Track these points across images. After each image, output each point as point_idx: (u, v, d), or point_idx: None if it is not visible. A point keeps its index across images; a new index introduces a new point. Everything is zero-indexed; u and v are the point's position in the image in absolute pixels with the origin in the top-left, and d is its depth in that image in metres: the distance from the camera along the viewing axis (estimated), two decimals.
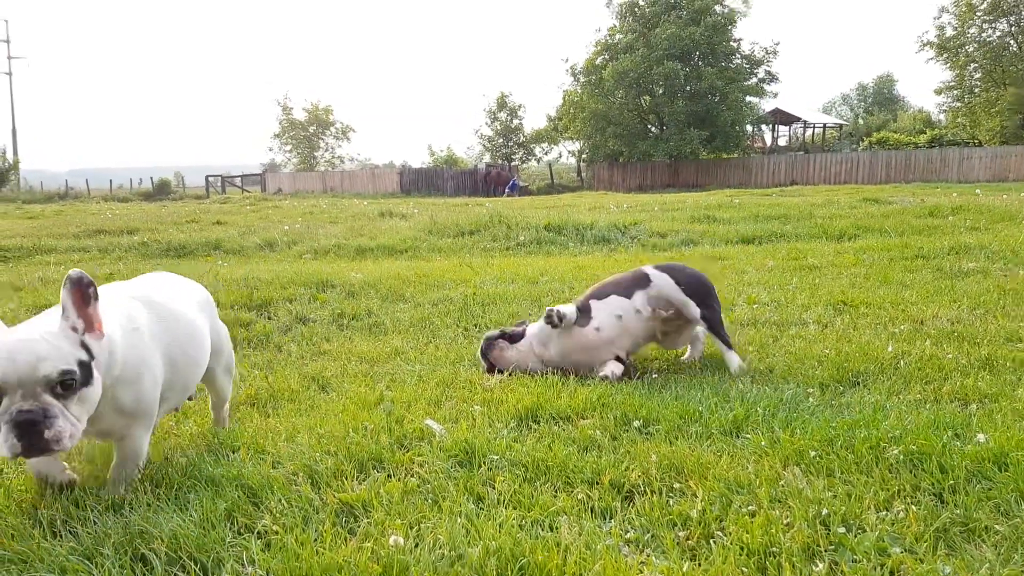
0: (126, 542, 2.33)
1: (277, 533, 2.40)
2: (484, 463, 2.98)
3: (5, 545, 2.33)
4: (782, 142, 51.43)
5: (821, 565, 2.20)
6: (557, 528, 2.45)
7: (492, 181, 41.74)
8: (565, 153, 54.78)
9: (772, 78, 41.99)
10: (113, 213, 21.40)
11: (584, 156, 47.81)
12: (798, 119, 48.11)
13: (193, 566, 2.21)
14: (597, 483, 2.80)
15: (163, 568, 2.20)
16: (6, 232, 15.85)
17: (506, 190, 40.78)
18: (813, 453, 2.96)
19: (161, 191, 48.04)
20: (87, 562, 2.19)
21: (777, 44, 41.72)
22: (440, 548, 2.30)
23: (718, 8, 40.33)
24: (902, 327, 5.20)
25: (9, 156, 52.37)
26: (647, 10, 41.79)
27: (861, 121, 60.80)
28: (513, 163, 50.08)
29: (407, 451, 3.15)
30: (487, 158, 53.30)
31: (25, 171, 58.37)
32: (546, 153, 54.65)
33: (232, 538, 2.37)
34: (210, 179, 49.76)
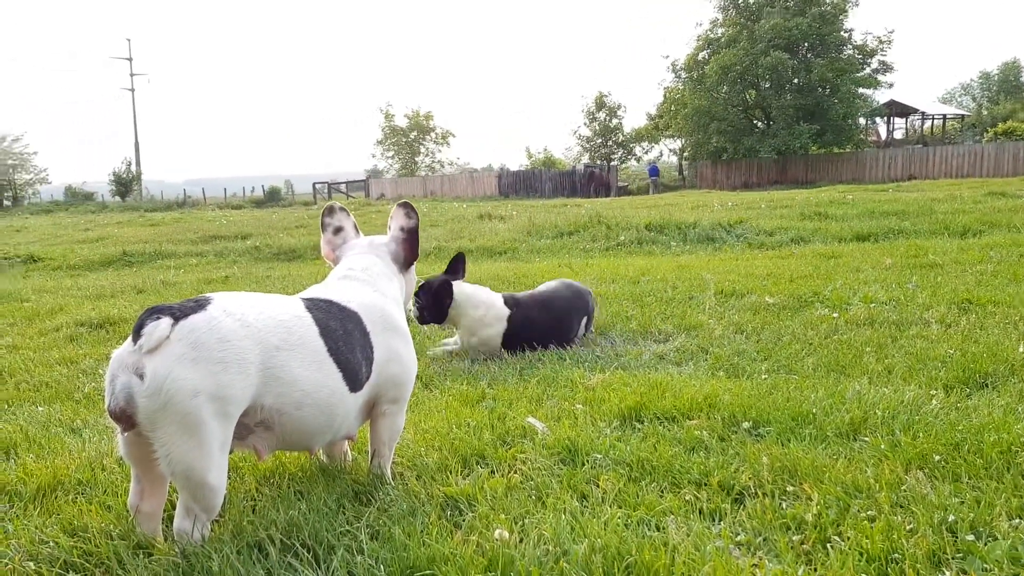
0: (244, 528, 2.42)
1: (385, 524, 2.45)
2: (587, 461, 2.96)
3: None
4: (898, 135, 49.13)
5: (948, 573, 2.08)
6: (664, 528, 2.40)
7: (595, 182, 41.43)
8: (666, 152, 53.98)
9: (886, 68, 40.12)
10: (227, 220, 22.41)
11: (686, 154, 46.97)
12: (915, 110, 45.85)
13: (306, 553, 2.28)
14: (705, 484, 2.73)
15: (278, 555, 2.27)
16: (131, 239, 16.82)
17: (649, 180, 41.51)
18: (938, 457, 2.80)
19: (272, 198, 49.99)
20: (206, 547, 2.28)
21: (891, 32, 39.87)
22: (545, 544, 2.29)
23: None
24: None
25: (133, 168, 55.61)
26: (751, 1, 40.72)
27: (985, 111, 57.47)
28: (612, 163, 49.65)
29: (509, 448, 3.15)
30: (585, 158, 53.03)
31: (147, 181, 61.88)
32: (646, 152, 53.98)
33: (343, 527, 2.43)
34: (317, 186, 51.41)
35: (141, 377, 2.10)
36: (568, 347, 5.08)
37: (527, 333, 5.08)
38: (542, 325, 5.14)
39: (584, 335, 5.41)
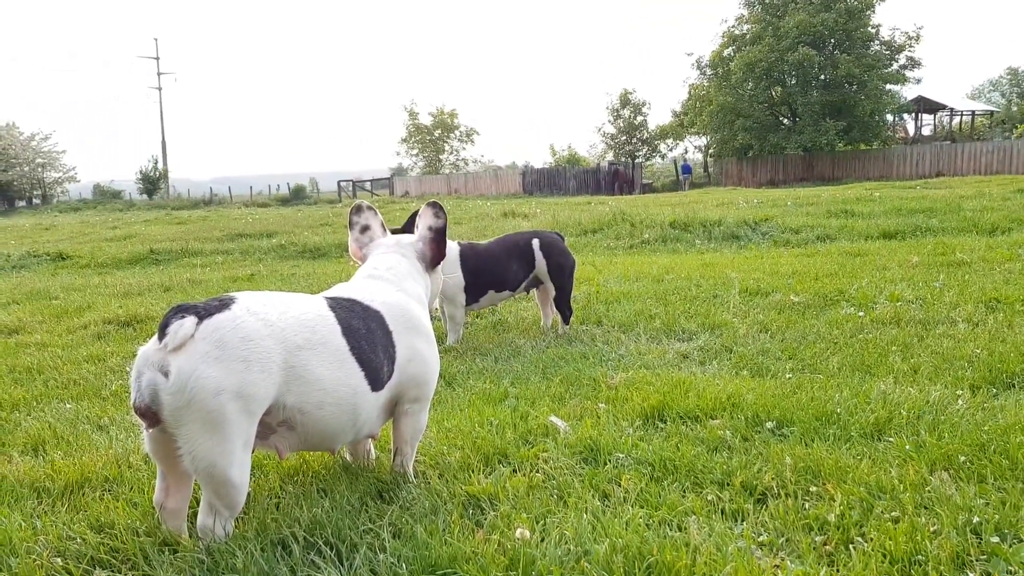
0: (267, 526, 2.45)
1: (407, 522, 2.46)
2: (609, 461, 2.96)
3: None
4: (926, 131, 48.43)
5: (972, 575, 2.06)
6: (686, 528, 2.39)
7: (621, 179, 41.18)
8: (691, 148, 53.59)
9: (914, 64, 39.52)
10: (253, 218, 22.59)
11: (711, 151, 46.62)
12: (944, 107, 45.17)
13: (329, 551, 2.29)
14: (728, 484, 2.72)
15: (301, 552, 2.29)
16: (158, 237, 17.01)
17: (683, 177, 41.42)
18: (963, 458, 2.77)
19: (297, 196, 50.31)
20: (229, 543, 2.31)
21: (920, 28, 39.28)
22: (566, 543, 2.29)
23: None
24: None
25: (159, 166, 56.17)
26: None
27: (1014, 107, 56.48)
28: (637, 160, 49.38)
29: (532, 447, 3.16)
30: (610, 156, 52.79)
31: (173, 179, 62.39)
32: (671, 149, 53.63)
33: (366, 525, 2.45)
34: (342, 184, 51.63)
35: (166, 375, 2.13)
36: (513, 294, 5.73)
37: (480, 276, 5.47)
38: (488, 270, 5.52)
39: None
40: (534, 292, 5.94)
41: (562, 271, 5.63)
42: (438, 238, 3.13)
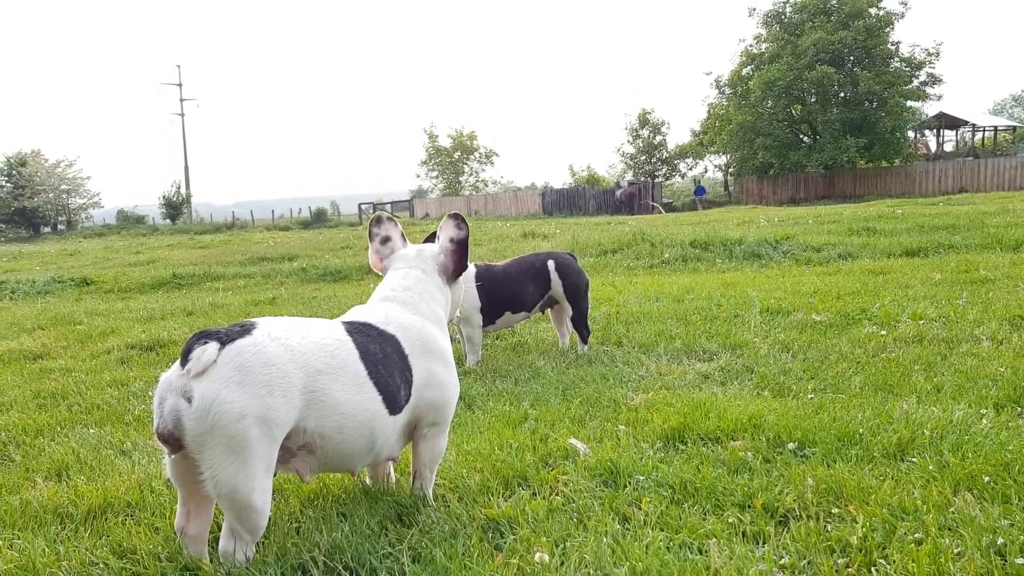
0: (287, 550, 2.46)
1: (426, 546, 2.46)
2: (629, 483, 2.94)
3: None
4: (948, 147, 48.10)
5: None
6: (706, 551, 2.37)
7: (635, 199, 41.09)
8: (711, 167, 53.52)
9: (935, 80, 39.37)
10: (275, 241, 22.79)
11: (731, 170, 46.52)
12: (966, 122, 44.84)
13: None
14: (749, 506, 2.70)
15: None
16: (181, 261, 17.20)
17: (697, 198, 41.35)
18: (987, 478, 2.74)
19: (318, 219, 50.69)
20: (250, 568, 2.32)
21: (940, 45, 39.14)
22: (586, 567, 2.28)
23: (873, 11, 38.32)
24: None
25: (182, 190, 56.83)
26: (793, 17, 40.36)
27: None
28: (656, 179, 49.37)
29: (551, 469, 3.15)
30: (629, 176, 52.80)
31: (196, 204, 63.13)
32: (691, 168, 53.61)
33: (385, 549, 2.45)
34: (362, 207, 52.05)
35: (189, 400, 2.16)
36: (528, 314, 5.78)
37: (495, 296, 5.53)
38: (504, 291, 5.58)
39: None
40: (549, 313, 5.96)
41: (578, 290, 5.67)
42: (460, 249, 3.11)
